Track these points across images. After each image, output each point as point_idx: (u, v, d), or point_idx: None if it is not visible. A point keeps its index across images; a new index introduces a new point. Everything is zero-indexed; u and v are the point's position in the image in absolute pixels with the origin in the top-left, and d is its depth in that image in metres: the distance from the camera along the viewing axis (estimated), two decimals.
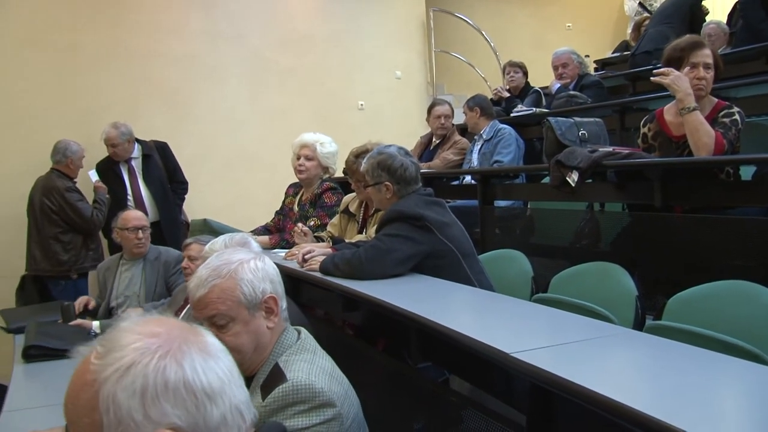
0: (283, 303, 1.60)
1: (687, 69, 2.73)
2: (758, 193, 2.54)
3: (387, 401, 2.44)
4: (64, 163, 4.60)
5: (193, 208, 5.34)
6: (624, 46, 7.13)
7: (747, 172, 2.69)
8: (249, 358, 1.50)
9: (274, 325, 1.55)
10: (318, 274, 2.62)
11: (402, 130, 6.00)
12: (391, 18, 6.67)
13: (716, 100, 2.81)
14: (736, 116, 2.69)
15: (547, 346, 1.56)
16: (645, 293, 2.32)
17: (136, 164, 4.89)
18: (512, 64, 5.78)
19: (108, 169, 4.85)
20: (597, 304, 2.11)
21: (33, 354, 2.74)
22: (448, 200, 3.58)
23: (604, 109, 4.45)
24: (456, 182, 4.55)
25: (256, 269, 1.55)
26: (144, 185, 4.86)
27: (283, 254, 3.17)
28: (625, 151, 2.90)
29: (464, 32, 7.57)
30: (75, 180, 4.68)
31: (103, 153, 4.85)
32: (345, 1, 6.38)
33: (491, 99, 5.17)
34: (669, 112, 2.87)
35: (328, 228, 3.42)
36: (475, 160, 4.57)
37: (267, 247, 3.50)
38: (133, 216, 3.69)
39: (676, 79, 2.68)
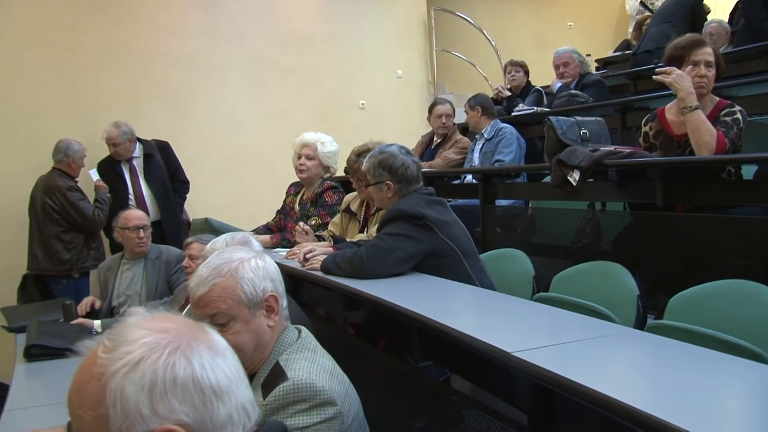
0: (284, 301, 1.60)
1: (689, 68, 2.73)
2: (760, 193, 2.53)
3: (388, 400, 2.44)
4: (65, 163, 4.61)
5: (195, 207, 5.34)
6: (625, 45, 7.12)
7: (748, 172, 2.69)
8: (250, 356, 1.50)
9: (274, 324, 1.55)
10: (319, 274, 2.63)
11: (403, 129, 6.00)
12: (392, 17, 6.66)
13: (718, 99, 2.81)
14: (738, 115, 2.68)
15: (549, 345, 1.56)
16: (646, 292, 2.32)
17: (138, 163, 4.89)
18: (513, 64, 5.78)
19: (109, 168, 4.85)
20: (598, 304, 2.11)
21: (34, 353, 2.75)
22: (450, 199, 3.58)
23: (605, 108, 4.44)
24: (457, 181, 4.55)
25: (257, 268, 1.55)
26: (145, 184, 4.86)
27: (285, 253, 3.18)
28: (627, 150, 2.89)
29: (465, 31, 7.57)
30: (76, 179, 4.68)
31: (104, 152, 4.85)
32: (346, 1, 6.38)
33: (492, 98, 5.17)
34: (670, 111, 2.87)
35: (330, 227, 3.43)
36: (476, 159, 4.56)
37: (268, 247, 3.50)
38: (134, 215, 3.69)
39: (678, 78, 2.68)
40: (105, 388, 0.81)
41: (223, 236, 2.49)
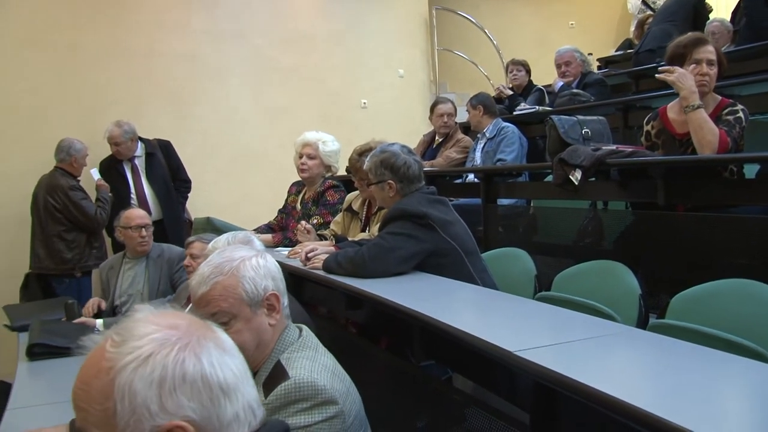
0: (285, 300, 1.60)
1: (691, 66, 2.72)
2: (762, 192, 2.53)
3: (390, 399, 2.44)
4: (67, 162, 4.61)
5: (197, 206, 5.35)
6: (627, 44, 7.11)
7: (751, 171, 2.68)
8: (251, 355, 1.50)
9: (275, 323, 1.55)
10: (321, 273, 2.63)
11: (405, 128, 6.00)
12: (394, 16, 6.66)
13: (720, 97, 2.80)
14: (740, 114, 2.68)
15: (551, 344, 1.56)
16: (648, 292, 2.32)
17: (140, 162, 4.89)
18: (515, 63, 5.78)
19: (111, 167, 4.85)
20: (600, 303, 2.11)
21: (37, 352, 2.75)
22: (451, 198, 3.58)
23: (607, 107, 4.44)
24: (459, 180, 4.55)
25: (258, 266, 1.55)
26: (147, 183, 4.86)
27: (286, 252, 3.18)
28: (629, 149, 2.89)
29: (467, 30, 7.56)
30: (79, 178, 4.69)
31: (106, 151, 4.85)
32: (347, 0, 6.38)
33: (494, 97, 5.17)
34: (672, 109, 2.87)
35: (331, 226, 3.43)
36: (478, 158, 4.56)
37: (270, 246, 3.50)
38: (135, 214, 3.70)
39: (681, 77, 2.67)
40: (113, 382, 0.80)
41: (224, 235, 2.49)
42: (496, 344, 1.52)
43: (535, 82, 5.70)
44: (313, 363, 1.48)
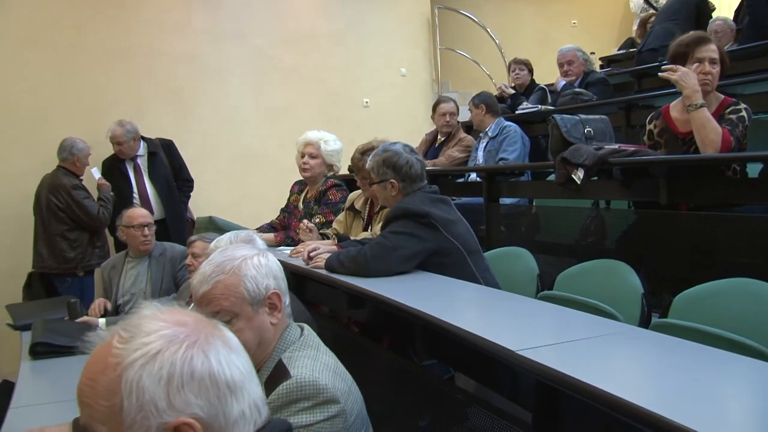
0: (287, 299, 1.60)
1: (694, 65, 2.72)
2: (765, 191, 2.53)
3: (392, 398, 2.44)
4: (70, 161, 4.62)
5: (199, 205, 5.35)
6: (629, 43, 7.10)
7: (754, 170, 2.68)
8: (252, 354, 1.49)
9: (277, 321, 1.55)
10: (323, 272, 2.63)
11: (407, 127, 6.00)
12: (396, 15, 6.66)
13: (723, 96, 2.79)
14: (743, 113, 2.67)
15: (553, 343, 1.56)
16: (651, 291, 2.32)
17: (142, 162, 4.90)
18: (517, 62, 5.77)
19: (113, 166, 4.86)
20: (602, 302, 2.10)
21: (40, 351, 2.75)
22: (454, 198, 3.58)
23: (609, 106, 4.43)
24: (461, 180, 4.55)
25: (260, 265, 1.55)
26: (150, 183, 4.87)
27: (289, 251, 3.18)
28: (631, 148, 2.89)
29: (469, 29, 7.57)
30: (81, 178, 4.70)
31: (108, 151, 4.86)
32: None
33: (496, 96, 5.16)
34: (675, 108, 2.86)
35: (334, 225, 3.43)
36: (480, 157, 4.56)
37: (272, 245, 3.51)
38: (138, 213, 3.70)
39: (684, 76, 2.67)
40: (120, 378, 0.80)
41: (227, 234, 2.50)
42: (499, 343, 1.52)
43: (537, 81, 5.70)
44: (314, 362, 1.48)
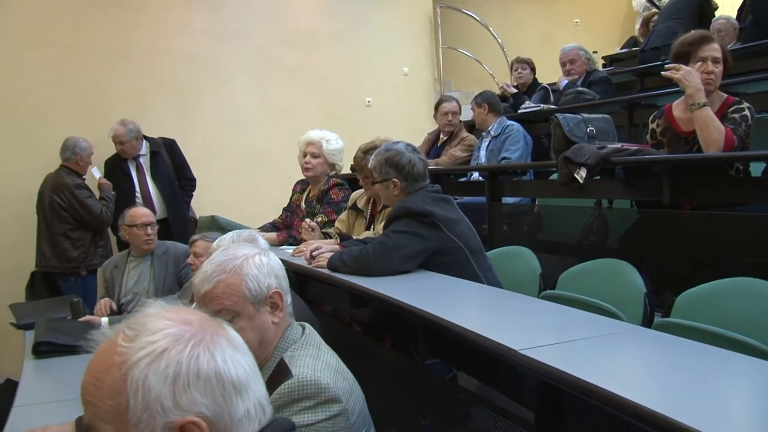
0: (288, 298, 1.60)
1: (697, 64, 2.71)
2: None
3: (395, 398, 2.44)
4: (73, 160, 4.63)
5: (201, 204, 5.36)
6: (632, 42, 7.09)
7: (757, 169, 2.67)
8: (254, 353, 1.49)
9: (279, 320, 1.55)
10: (326, 271, 2.63)
11: (409, 126, 6.00)
12: (398, 14, 6.65)
13: (725, 95, 2.79)
14: (746, 112, 2.67)
15: (556, 343, 1.56)
16: (653, 290, 2.31)
17: (144, 161, 4.91)
18: (520, 61, 5.77)
19: (116, 166, 4.87)
20: (605, 301, 2.10)
21: (43, 350, 2.76)
22: (456, 197, 3.57)
23: (612, 105, 4.43)
24: (464, 179, 4.54)
25: (261, 264, 1.55)
26: (152, 182, 4.88)
27: (291, 251, 3.18)
28: (634, 147, 2.88)
29: (472, 29, 7.56)
30: (84, 177, 4.71)
31: (110, 150, 4.87)
32: None
33: (498, 95, 5.16)
34: (678, 107, 2.86)
35: (336, 224, 3.43)
36: (482, 156, 4.56)
37: (275, 244, 3.51)
38: (140, 213, 3.71)
39: (687, 75, 2.66)
40: (126, 377, 0.80)
41: (229, 234, 2.50)
42: (501, 343, 1.52)
43: (539, 81, 5.70)
44: (316, 361, 1.48)
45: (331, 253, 2.67)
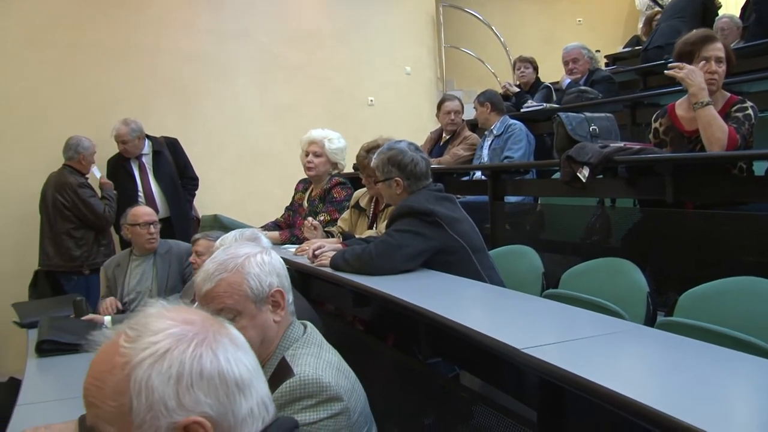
0: (290, 297, 1.60)
1: (701, 64, 2.70)
2: None
3: (397, 397, 2.44)
4: (76, 159, 4.63)
5: (204, 203, 5.36)
6: (635, 41, 7.08)
7: (760, 168, 2.67)
8: (256, 351, 1.49)
9: (280, 319, 1.55)
10: (328, 270, 2.63)
11: (412, 125, 6.00)
12: (401, 13, 6.65)
13: (729, 94, 2.79)
14: (750, 111, 2.66)
15: (558, 342, 1.56)
16: (656, 289, 2.31)
17: (147, 160, 4.91)
18: (522, 60, 5.76)
19: (118, 165, 4.87)
20: (608, 300, 2.10)
21: (46, 348, 2.77)
22: (459, 196, 3.58)
23: (615, 104, 4.43)
24: (466, 178, 4.54)
25: (263, 263, 1.55)
26: (155, 181, 4.88)
27: (294, 250, 3.18)
28: (637, 146, 2.88)
29: (474, 28, 7.55)
30: (87, 176, 4.71)
31: (113, 149, 4.87)
32: None
33: (501, 94, 5.15)
34: (681, 106, 2.85)
35: (339, 223, 3.43)
36: (485, 155, 4.55)
37: (277, 243, 3.51)
38: (143, 211, 3.71)
39: (690, 73, 2.66)
40: (129, 378, 0.80)
41: (232, 233, 2.50)
42: (504, 341, 1.52)
43: (542, 80, 5.69)
44: (317, 360, 1.48)
45: (334, 252, 2.67)
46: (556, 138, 3.37)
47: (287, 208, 3.92)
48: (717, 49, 2.74)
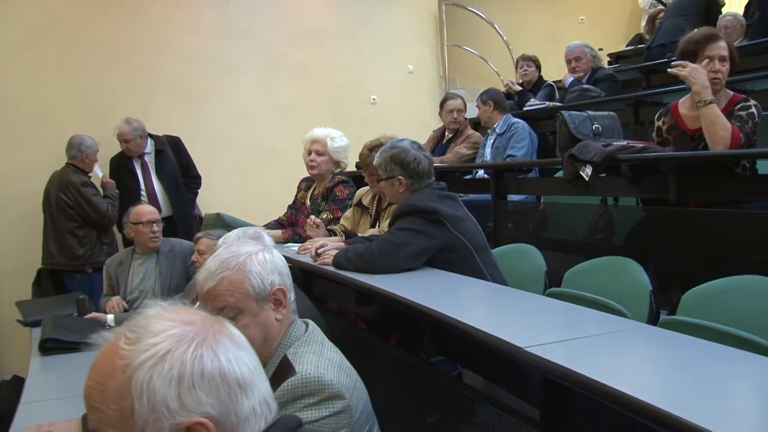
0: (292, 295, 1.60)
1: (704, 62, 2.70)
2: None
3: (400, 395, 2.44)
4: (79, 158, 4.64)
5: (207, 202, 5.37)
6: (638, 39, 7.07)
7: (763, 166, 2.66)
8: (257, 350, 1.48)
9: (282, 317, 1.55)
10: (331, 268, 2.63)
11: (414, 124, 6.00)
12: (403, 12, 6.64)
13: (732, 93, 2.78)
14: (753, 109, 2.66)
15: (561, 340, 1.56)
16: (659, 288, 2.31)
17: (149, 159, 4.92)
18: (525, 58, 5.75)
19: (121, 164, 4.88)
20: (611, 299, 2.10)
21: (49, 347, 2.78)
22: (461, 194, 3.58)
23: (617, 102, 4.42)
24: (469, 176, 4.53)
25: (265, 261, 1.56)
26: (157, 180, 4.88)
27: (296, 248, 3.18)
28: (639, 144, 2.87)
29: (477, 26, 7.54)
30: (90, 175, 4.72)
31: (115, 148, 4.88)
32: None
33: (503, 93, 5.15)
34: (684, 105, 2.85)
35: (341, 221, 3.43)
36: (488, 154, 4.55)
37: (280, 241, 3.51)
38: (145, 210, 3.72)
39: (693, 72, 2.65)
40: (130, 380, 0.79)
41: (234, 231, 2.51)
42: (506, 340, 1.51)
43: (545, 78, 5.68)
44: (319, 358, 1.48)
45: (336, 251, 2.67)
46: (558, 136, 3.37)
47: (290, 207, 3.92)
48: (721, 47, 2.73)
